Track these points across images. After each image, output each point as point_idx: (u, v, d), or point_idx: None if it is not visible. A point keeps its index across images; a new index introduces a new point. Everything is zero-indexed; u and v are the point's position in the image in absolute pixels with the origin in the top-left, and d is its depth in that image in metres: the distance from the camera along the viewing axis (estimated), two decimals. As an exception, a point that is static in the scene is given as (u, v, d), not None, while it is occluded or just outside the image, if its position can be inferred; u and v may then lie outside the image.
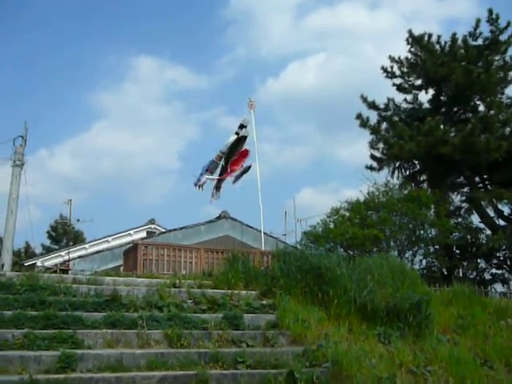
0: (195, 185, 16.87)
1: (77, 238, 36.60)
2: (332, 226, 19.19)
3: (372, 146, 22.00)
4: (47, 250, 35.48)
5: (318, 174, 56.98)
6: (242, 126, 17.19)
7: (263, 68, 65.37)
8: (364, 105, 22.06)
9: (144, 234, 23.53)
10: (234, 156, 17.11)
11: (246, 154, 17.28)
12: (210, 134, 59.66)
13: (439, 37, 21.90)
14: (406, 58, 22.45)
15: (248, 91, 55.68)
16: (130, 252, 15.03)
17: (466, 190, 22.16)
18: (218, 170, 17.21)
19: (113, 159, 62.08)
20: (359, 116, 21.70)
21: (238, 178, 17.23)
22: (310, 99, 53.52)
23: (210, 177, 17.04)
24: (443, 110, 22.06)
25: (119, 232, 25.18)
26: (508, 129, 20.34)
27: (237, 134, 17.08)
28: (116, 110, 63.89)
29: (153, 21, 63.65)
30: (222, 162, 17.13)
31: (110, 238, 24.79)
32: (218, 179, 17.15)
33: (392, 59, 22.51)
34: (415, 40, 22.15)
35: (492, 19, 21.21)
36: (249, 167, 17.18)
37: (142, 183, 61.66)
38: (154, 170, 62.01)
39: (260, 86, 59.64)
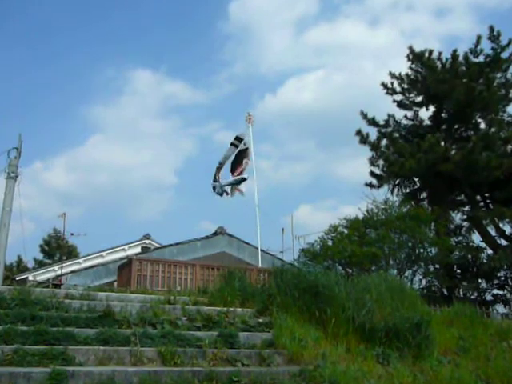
0: (219, 194, 17.11)
1: (70, 253, 36.38)
2: (330, 243, 19.25)
3: (372, 162, 22.12)
4: (40, 265, 35.26)
5: (317, 191, 57.16)
6: (238, 139, 17.39)
7: (262, 84, 65.97)
8: (364, 121, 22.26)
9: (139, 250, 23.42)
10: (236, 166, 17.41)
11: (242, 168, 17.44)
12: (207, 149, 59.91)
13: (440, 53, 22.15)
14: (407, 75, 22.62)
15: (246, 107, 56.40)
16: (125, 267, 14.99)
17: (466, 208, 22.21)
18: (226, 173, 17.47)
19: (108, 173, 62.20)
20: (359, 132, 21.83)
21: (225, 185, 17.40)
22: (309, 116, 53.87)
23: (226, 182, 17.27)
24: (444, 127, 22.19)
25: (114, 247, 25.19)
26: (510, 146, 20.46)
27: (233, 145, 17.28)
28: (112, 124, 64.23)
29: (151, 34, 64.31)
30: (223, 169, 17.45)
31: (104, 253, 24.80)
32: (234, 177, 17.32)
33: (392, 75, 22.69)
34: (416, 56, 22.35)
35: (493, 36, 21.42)
36: (242, 179, 17.30)
37: (138, 198, 61.71)
38: (149, 185, 62.11)
39: (258, 102, 60.19)
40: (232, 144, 17.43)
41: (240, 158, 17.42)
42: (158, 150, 63.30)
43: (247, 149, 17.43)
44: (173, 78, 71.26)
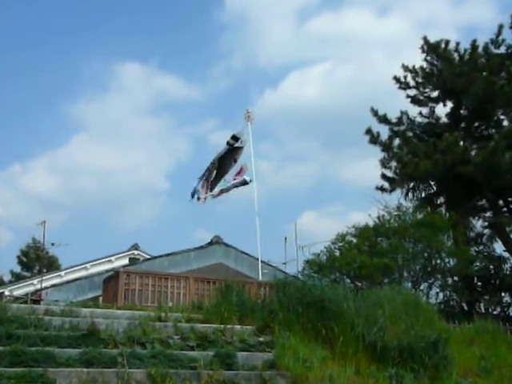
0: (193, 197, 17.41)
1: (51, 265, 36.24)
2: (337, 253, 19.25)
3: (383, 164, 22.05)
4: (17, 278, 35.17)
5: (322, 196, 56.74)
6: (235, 138, 17.45)
7: (261, 78, 65.57)
8: (374, 119, 22.18)
9: (126, 261, 23.14)
10: (227, 168, 17.60)
11: (240, 173, 17.58)
12: (202, 151, 59.53)
13: (457, 44, 22.23)
14: (421, 68, 22.65)
15: (244, 103, 55.55)
16: (111, 281, 15.00)
17: (488, 214, 22.17)
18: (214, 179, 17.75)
19: (93, 177, 61.80)
20: (369, 131, 21.77)
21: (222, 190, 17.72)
22: (313, 113, 53.50)
23: (211, 193, 17.60)
24: (463, 124, 22.19)
25: (99, 258, 24.87)
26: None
27: (228, 144, 17.41)
28: (97, 122, 63.68)
29: (140, 24, 64.05)
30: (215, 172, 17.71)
31: (88, 265, 24.54)
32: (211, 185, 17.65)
33: (405, 68, 22.71)
34: (431, 48, 22.40)
35: (516, 25, 21.44)
36: (243, 181, 17.44)
37: (126, 204, 61.45)
38: (139, 190, 61.70)
39: (257, 98, 59.59)
40: (228, 143, 17.59)
41: (231, 156, 17.63)
42: (147, 152, 63.03)
43: (242, 148, 17.57)
44: (164, 71, 71.10)
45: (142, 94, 64.98)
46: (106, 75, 65.31)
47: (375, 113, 22.13)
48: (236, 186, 17.67)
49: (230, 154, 17.59)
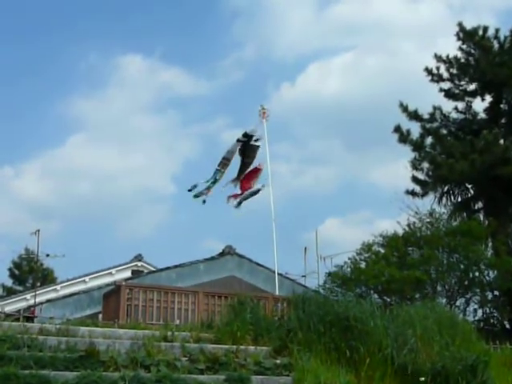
0: (195, 196, 17.38)
1: (46, 278, 36.31)
2: (363, 265, 19.36)
3: (414, 165, 21.91)
4: (9, 292, 35.35)
5: (346, 201, 56.02)
6: (247, 136, 17.48)
7: (278, 70, 64.94)
8: (404, 115, 22.01)
9: (129, 274, 23.17)
10: (244, 169, 17.64)
11: (256, 172, 17.67)
12: (211, 151, 59.44)
13: (497, 31, 22.03)
14: (456, 58, 22.52)
15: (258, 99, 55.19)
16: (111, 296, 15.06)
17: (532, 220, 21.96)
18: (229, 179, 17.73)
19: (92, 181, 61.66)
20: (398, 129, 21.65)
21: (241, 201, 17.66)
22: (336, 108, 53.03)
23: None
24: (503, 120, 22.10)
25: (98, 271, 25.07)
26: None
27: (240, 142, 17.46)
28: (96, 121, 63.52)
29: (143, 11, 64.11)
30: (226, 171, 17.66)
31: (86, 278, 24.74)
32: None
33: (438, 58, 22.56)
34: (467, 35, 22.25)
35: None
36: (257, 190, 17.57)
37: (128, 211, 61.06)
38: (142, 195, 61.39)
39: (273, 93, 58.85)
40: (239, 141, 17.58)
41: (250, 156, 17.62)
42: (151, 153, 62.75)
43: (258, 147, 17.61)
44: (170, 64, 70.62)
45: (145, 90, 64.92)
46: (105, 69, 65.11)
47: (405, 108, 21.99)
48: (252, 194, 17.75)
49: (244, 153, 17.58)
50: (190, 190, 17.45)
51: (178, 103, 62.87)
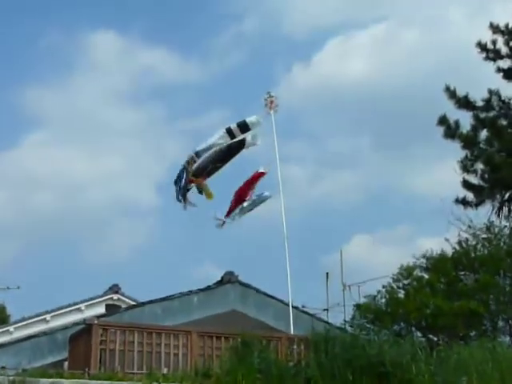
0: (179, 201, 17.65)
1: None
2: (402, 295, 19.48)
3: (465, 167, 20.85)
4: None
5: (378, 214, 54.73)
6: (242, 126, 17.13)
7: (287, 49, 63.51)
8: (451, 102, 20.92)
9: (102, 310, 23.11)
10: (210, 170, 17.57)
11: (257, 177, 17.80)
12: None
13: None
14: (519, 28, 22.45)
15: (264, 85, 53.12)
16: (80, 338, 15.10)
17: None
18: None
19: (55, 192, 60.64)
20: (443, 120, 20.66)
21: (243, 211, 17.91)
22: (362, 96, 51.20)
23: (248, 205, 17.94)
24: None
25: (63, 306, 24.99)
26: None
27: (229, 132, 17.16)
28: (60, 116, 61.69)
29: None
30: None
31: (48, 316, 24.49)
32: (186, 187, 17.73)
33: (495, 29, 21.51)
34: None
35: None
36: (264, 198, 17.78)
37: (101, 229, 59.81)
38: (119, 209, 60.55)
39: (283, 77, 57.62)
40: (228, 132, 17.16)
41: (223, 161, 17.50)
42: (130, 156, 60.67)
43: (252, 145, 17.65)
44: (152, 43, 68.72)
45: (120, 76, 63.50)
46: (69, 49, 63.48)
47: (452, 94, 20.88)
48: (256, 204, 17.99)
49: (231, 151, 17.52)
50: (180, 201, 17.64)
51: (162, 93, 60.91)
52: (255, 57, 61.30)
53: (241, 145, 17.52)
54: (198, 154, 17.36)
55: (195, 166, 17.35)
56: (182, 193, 17.53)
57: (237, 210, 17.94)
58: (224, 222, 17.91)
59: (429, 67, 45.15)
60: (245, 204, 17.82)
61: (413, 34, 53.63)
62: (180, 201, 17.61)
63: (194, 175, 17.44)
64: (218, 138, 17.30)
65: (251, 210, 18.01)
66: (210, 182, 17.78)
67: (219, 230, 18.12)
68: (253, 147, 17.79)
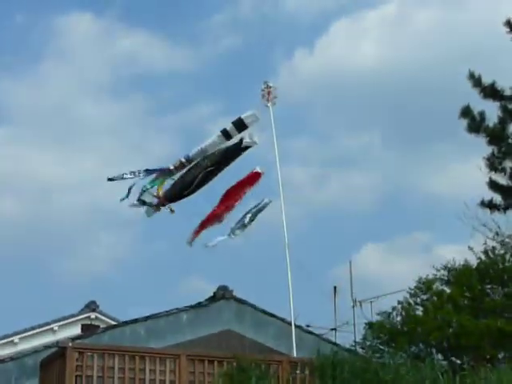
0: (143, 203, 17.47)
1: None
2: (420, 311, 18.57)
3: (492, 165, 20.58)
4: None
5: (392, 220, 53.98)
6: (239, 125, 16.88)
7: (288, 32, 62.77)
8: (475, 91, 20.66)
9: (78, 331, 22.43)
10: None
11: (254, 179, 17.54)
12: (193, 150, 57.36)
13: None
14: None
15: (261, 74, 52.84)
16: (53, 363, 14.92)
17: None
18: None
19: (21, 197, 59.87)
20: (467, 111, 20.30)
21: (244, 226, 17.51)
22: (374, 86, 50.53)
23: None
24: None
25: (33, 327, 24.51)
26: None
27: (224, 133, 16.98)
28: (26, 110, 61.53)
29: None
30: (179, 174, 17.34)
31: (15, 338, 24.08)
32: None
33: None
34: None
35: None
36: (263, 206, 17.51)
37: (76, 240, 59.11)
38: (96, 217, 59.19)
39: (283, 65, 57.37)
40: (224, 133, 16.93)
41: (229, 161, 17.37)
42: (108, 155, 59.99)
43: (247, 148, 17.32)
44: (133, 26, 68.21)
45: (97, 64, 61.96)
46: (37, 34, 63.05)
47: (477, 81, 20.52)
48: (256, 214, 17.74)
49: (227, 155, 17.31)
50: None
51: (145, 83, 60.32)
52: (251, 41, 60.25)
53: (237, 151, 17.35)
54: (189, 160, 17.17)
55: (173, 189, 17.18)
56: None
57: (237, 225, 17.57)
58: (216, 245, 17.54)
59: (448, 51, 44.42)
60: (245, 220, 17.45)
61: (428, 14, 53.02)
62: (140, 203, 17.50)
63: (165, 195, 17.36)
64: (213, 141, 17.22)
65: (252, 221, 17.71)
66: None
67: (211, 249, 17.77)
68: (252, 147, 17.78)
